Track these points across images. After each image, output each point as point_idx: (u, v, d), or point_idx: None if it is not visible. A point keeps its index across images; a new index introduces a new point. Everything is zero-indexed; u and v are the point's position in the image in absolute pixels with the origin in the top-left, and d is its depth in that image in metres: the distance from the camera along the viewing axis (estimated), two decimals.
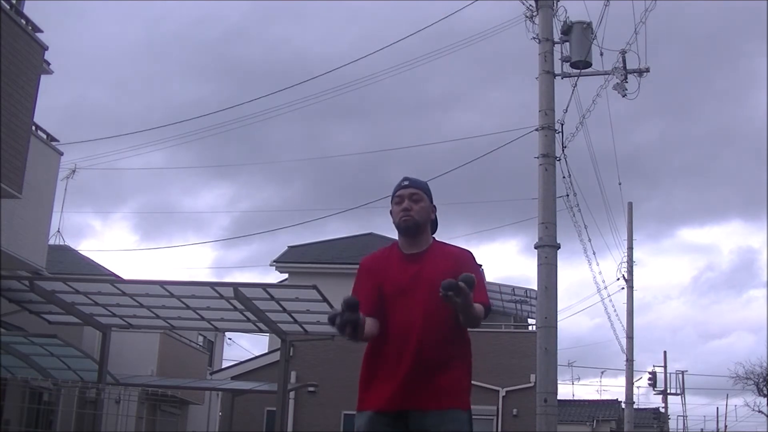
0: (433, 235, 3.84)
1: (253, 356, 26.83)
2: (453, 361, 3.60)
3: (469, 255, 3.75)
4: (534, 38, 13.29)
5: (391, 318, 3.61)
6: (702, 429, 52.11)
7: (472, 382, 3.73)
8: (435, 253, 3.72)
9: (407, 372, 3.53)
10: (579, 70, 13.44)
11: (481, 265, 4.29)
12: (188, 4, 74.37)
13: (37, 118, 13.91)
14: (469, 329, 3.63)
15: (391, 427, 3.54)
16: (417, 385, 3.52)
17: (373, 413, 3.58)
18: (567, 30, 13.43)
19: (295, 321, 14.96)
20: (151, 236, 71.30)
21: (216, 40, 65.90)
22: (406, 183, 3.79)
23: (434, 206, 3.84)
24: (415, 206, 3.73)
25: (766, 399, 43.92)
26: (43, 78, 14.63)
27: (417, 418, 3.52)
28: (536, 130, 12.95)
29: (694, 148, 77.88)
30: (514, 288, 28.32)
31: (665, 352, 69.69)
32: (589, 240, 21.84)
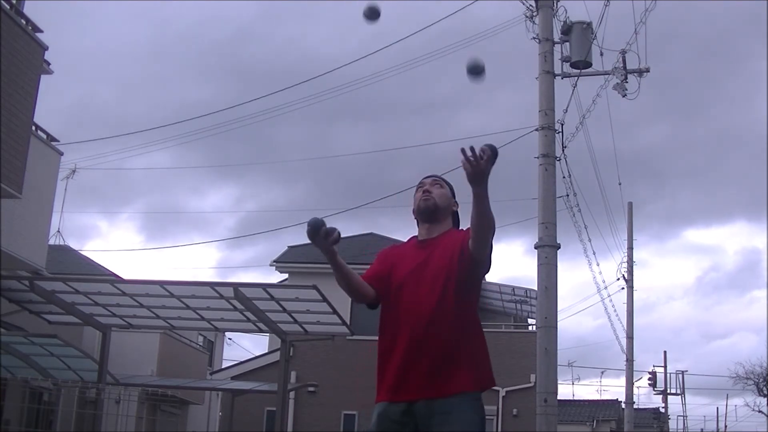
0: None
1: (253, 356, 26.85)
2: (462, 345, 3.56)
3: None
4: (534, 38, 13.30)
5: (401, 303, 3.62)
6: (702, 429, 52.15)
7: None
8: (446, 238, 3.73)
9: (414, 360, 3.52)
10: (579, 70, 13.44)
11: None
12: (196, 4, 74.41)
13: (44, 119, 13.98)
14: (477, 244, 3.50)
15: (399, 420, 3.53)
16: (424, 374, 3.50)
17: (385, 404, 3.58)
18: (567, 30, 13.43)
19: (295, 321, 14.96)
20: (156, 236, 71.40)
21: (223, 40, 65.93)
22: (429, 174, 3.89)
23: (456, 202, 3.88)
24: (435, 190, 3.79)
25: (766, 399, 43.99)
26: (50, 78, 14.67)
27: (423, 406, 3.50)
28: (536, 130, 12.96)
29: (700, 150, 77.88)
30: (514, 288, 28.30)
31: (665, 352, 69.66)
32: (589, 240, 21.84)
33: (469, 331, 3.61)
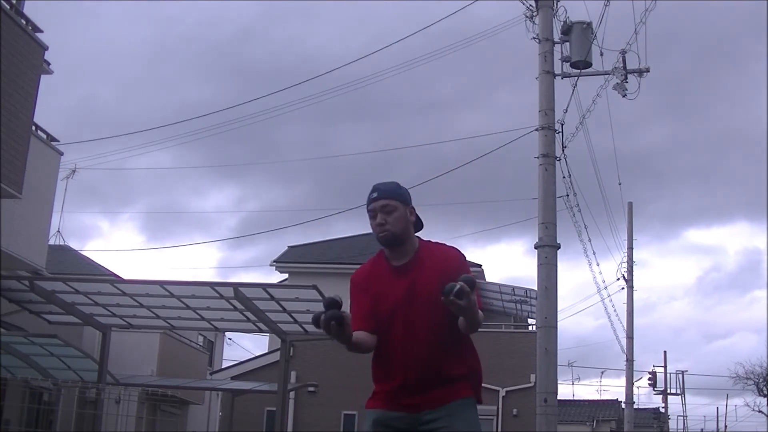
0: (418, 235, 3.71)
1: (253, 356, 26.85)
2: (458, 364, 3.59)
3: (458, 253, 3.66)
4: (534, 38, 13.30)
5: (392, 335, 3.56)
6: (702, 429, 52.18)
7: None
8: (423, 259, 3.61)
9: (414, 389, 3.52)
10: (579, 70, 13.43)
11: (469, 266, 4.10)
12: (196, 4, 74.46)
13: (44, 118, 14.00)
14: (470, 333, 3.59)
15: (395, 425, 3.56)
16: (422, 397, 3.52)
17: (381, 410, 3.61)
18: (567, 30, 13.42)
19: (295, 321, 14.96)
20: (157, 236, 71.54)
21: (223, 40, 66.03)
22: (374, 195, 3.65)
23: (411, 208, 3.68)
24: (389, 218, 3.59)
25: (766, 399, 44.01)
26: (50, 78, 14.68)
27: (423, 414, 3.54)
28: (536, 130, 12.95)
29: (700, 150, 77.97)
30: (514, 288, 28.29)
31: (665, 352, 69.77)
32: (589, 240, 21.82)
33: (464, 346, 3.64)
